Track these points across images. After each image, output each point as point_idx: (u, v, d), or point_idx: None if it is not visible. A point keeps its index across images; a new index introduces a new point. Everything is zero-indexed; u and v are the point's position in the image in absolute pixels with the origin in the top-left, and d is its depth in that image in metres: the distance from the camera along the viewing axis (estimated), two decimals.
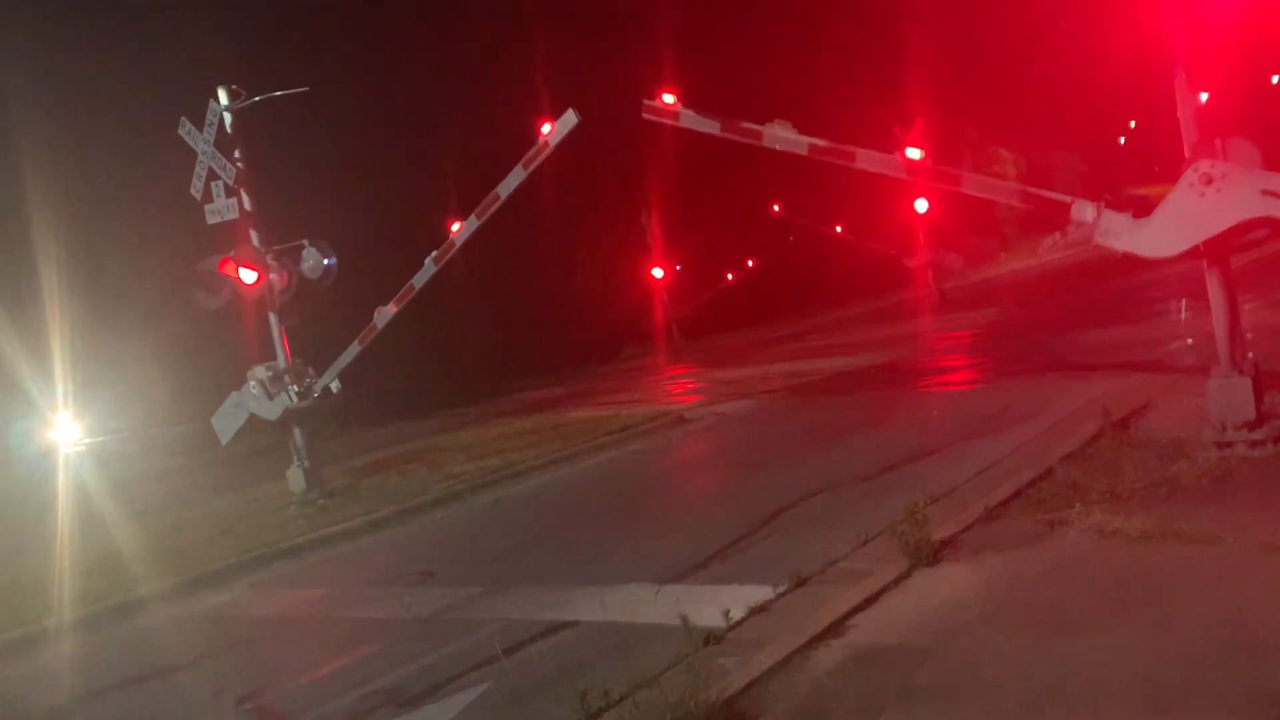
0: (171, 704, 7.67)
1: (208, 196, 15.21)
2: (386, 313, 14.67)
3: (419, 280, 14.50)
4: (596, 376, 38.15)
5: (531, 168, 13.46)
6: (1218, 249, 7.85)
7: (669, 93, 11.15)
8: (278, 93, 15.26)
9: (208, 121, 14.99)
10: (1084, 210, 8.38)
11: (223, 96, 14.92)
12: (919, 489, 8.75)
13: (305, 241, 15.04)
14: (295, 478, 14.89)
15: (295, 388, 14.73)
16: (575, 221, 45.11)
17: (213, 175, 15.07)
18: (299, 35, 37.85)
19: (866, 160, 10.07)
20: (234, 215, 15.00)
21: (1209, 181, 7.49)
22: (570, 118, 13.09)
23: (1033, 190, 9.33)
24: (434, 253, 14.38)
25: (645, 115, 11.33)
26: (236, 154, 14.92)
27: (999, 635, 5.30)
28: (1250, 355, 8.31)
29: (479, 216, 13.96)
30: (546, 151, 13.33)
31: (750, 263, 55.35)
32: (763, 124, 10.42)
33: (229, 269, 14.72)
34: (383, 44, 43.18)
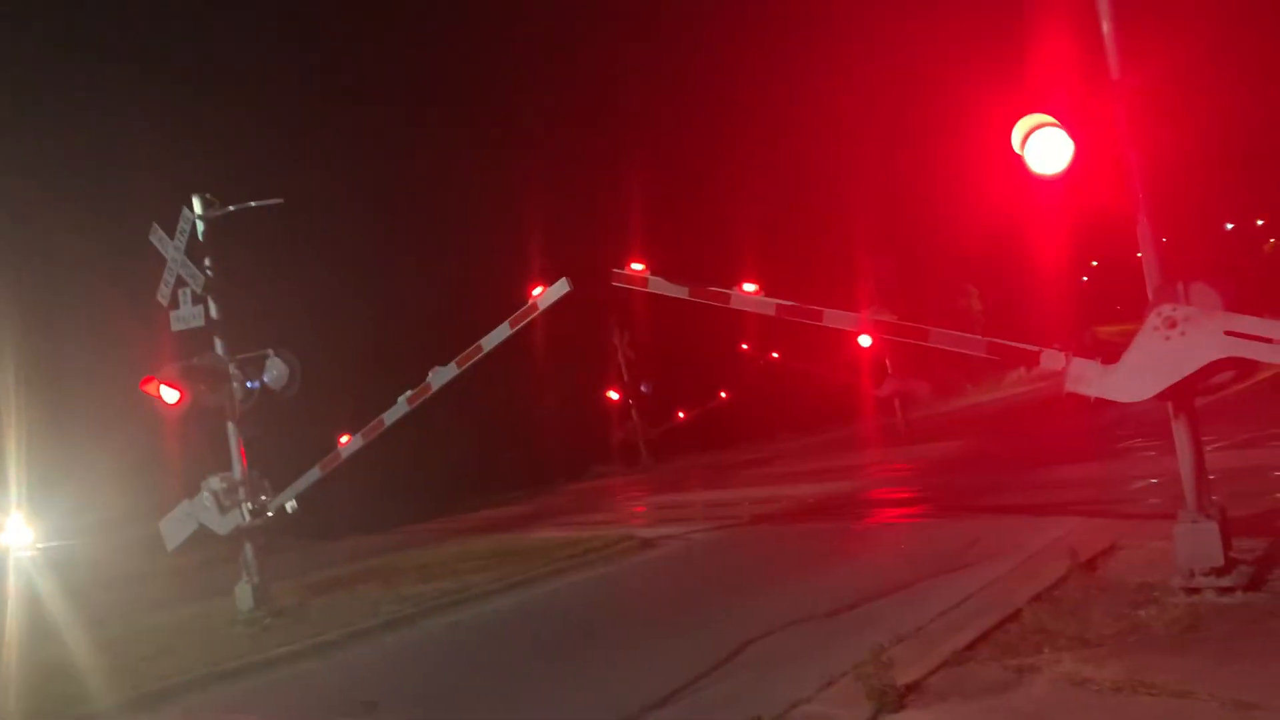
0: None
1: (174, 303, 15.06)
2: (351, 444, 14.44)
3: (390, 417, 14.33)
4: (562, 495, 37.72)
5: (518, 327, 13.57)
6: (1183, 392, 7.86)
7: (637, 261, 11.53)
8: (252, 203, 15.29)
9: (180, 229, 14.94)
10: (1054, 359, 8.43)
11: (197, 205, 14.93)
12: (884, 627, 8.55)
13: (270, 350, 14.87)
14: (243, 594, 14.37)
15: (249, 504, 14.35)
16: (546, 340, 45.33)
17: (181, 282, 14.96)
18: (283, 146, 38.47)
19: (833, 319, 10.41)
20: (199, 323, 14.83)
21: (1173, 325, 7.55)
22: (562, 285, 13.22)
23: (999, 342, 9.42)
24: (409, 393, 14.25)
25: (615, 284, 11.70)
26: (207, 262, 14.84)
27: None
28: (1215, 499, 8.26)
29: (459, 365, 13.94)
30: (534, 314, 13.46)
31: (723, 395, 55.74)
32: (730, 287, 10.75)
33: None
34: (369, 156, 44.02)
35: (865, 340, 37.16)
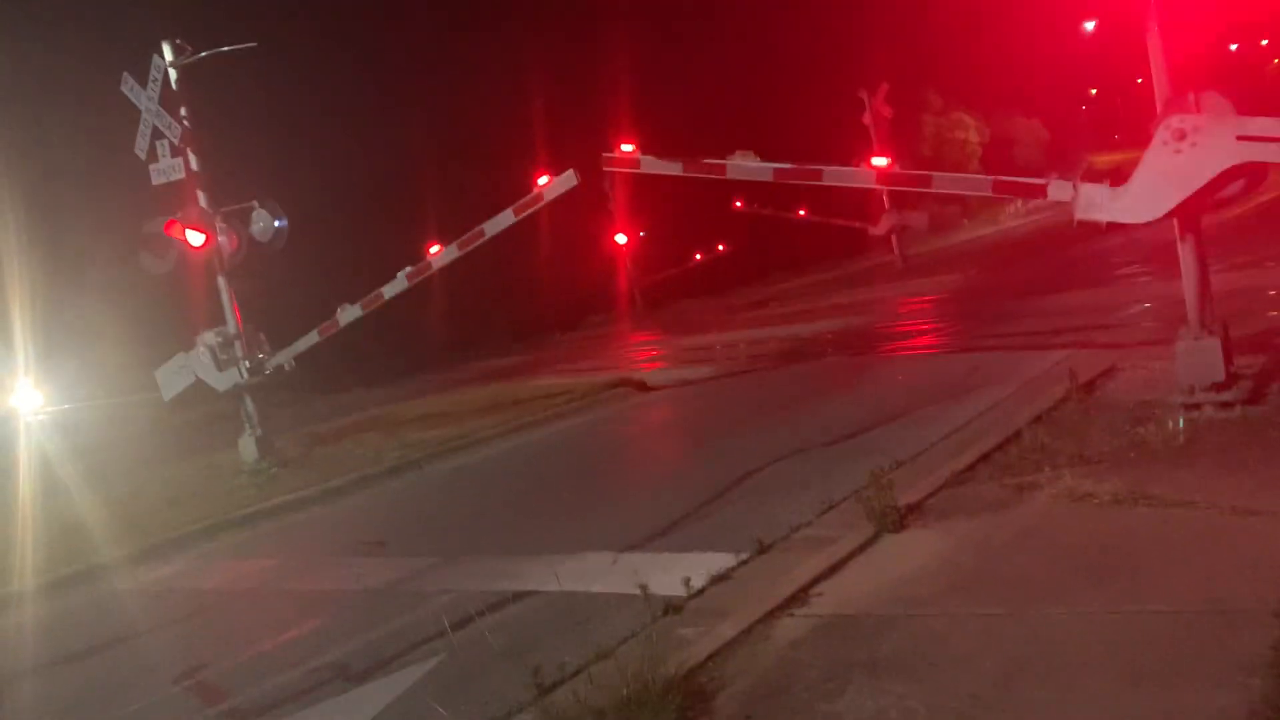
0: (108, 681, 7.33)
1: (153, 156, 14.67)
2: (351, 311, 14.28)
3: (389, 291, 14.13)
4: (559, 344, 37.81)
5: (522, 215, 13.33)
6: (1191, 209, 7.65)
7: (627, 142, 11.16)
8: (225, 48, 14.69)
9: (151, 78, 14.43)
10: (1061, 190, 8.17)
11: (167, 52, 14.35)
12: (884, 454, 8.61)
13: (255, 203, 14.56)
14: (247, 446, 14.50)
15: (246, 362, 14.30)
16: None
17: (158, 134, 14.53)
18: None
19: (834, 176, 10.07)
20: (180, 175, 14.49)
21: (1182, 137, 7.28)
22: (570, 178, 12.94)
23: (1004, 179, 9.14)
24: (409, 269, 14.01)
25: (606, 168, 11.36)
26: (182, 112, 14.37)
27: (969, 604, 5.10)
28: (1218, 316, 8.18)
29: (461, 248, 13.72)
30: (540, 204, 13.19)
31: (721, 248, 55.17)
32: (724, 156, 10.37)
33: (175, 231, 14.20)
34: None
35: (881, 162, 36.75)
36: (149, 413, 24.91)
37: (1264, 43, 57.13)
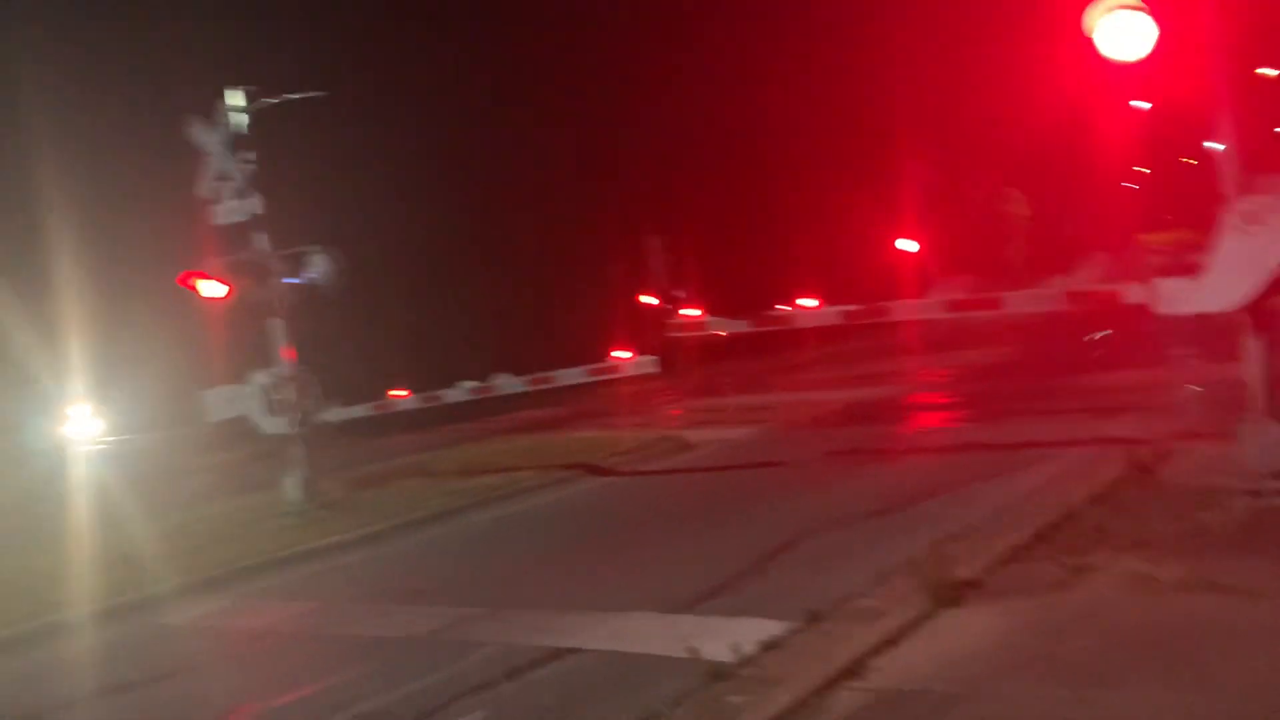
0: (155, 715, 7.36)
1: (217, 197, 15.01)
2: (407, 401, 14.56)
3: (449, 397, 15.01)
4: (596, 397, 37.79)
5: (595, 379, 14.28)
6: (1267, 293, 7.59)
7: (693, 307, 11.52)
8: (295, 95, 15.11)
9: (220, 121, 14.82)
10: (1137, 293, 8.16)
11: (237, 97, 14.75)
12: (936, 526, 8.51)
13: (314, 247, 14.83)
14: (292, 487, 14.60)
15: (297, 415, 14.46)
16: (580, 245, 45.13)
17: (223, 176, 14.88)
18: (321, 37, 37.98)
19: (902, 311, 10.04)
20: (243, 217, 14.79)
21: (1252, 220, 7.27)
22: (653, 364, 13.91)
23: (1078, 289, 9.12)
24: (473, 384, 14.92)
25: (671, 335, 11.78)
26: (250, 155, 14.73)
27: (1031, 685, 5.01)
28: None
29: (529, 385, 14.72)
30: (614, 374, 14.21)
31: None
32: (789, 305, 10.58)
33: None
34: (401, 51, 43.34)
35: (911, 246, 36.82)
36: (197, 446, 25.24)
37: None
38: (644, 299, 47.60)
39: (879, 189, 38.83)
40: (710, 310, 11.22)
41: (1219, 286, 7.54)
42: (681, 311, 11.54)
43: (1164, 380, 15.69)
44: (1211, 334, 9.22)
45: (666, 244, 45.85)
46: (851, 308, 10.23)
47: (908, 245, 37.59)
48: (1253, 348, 7.94)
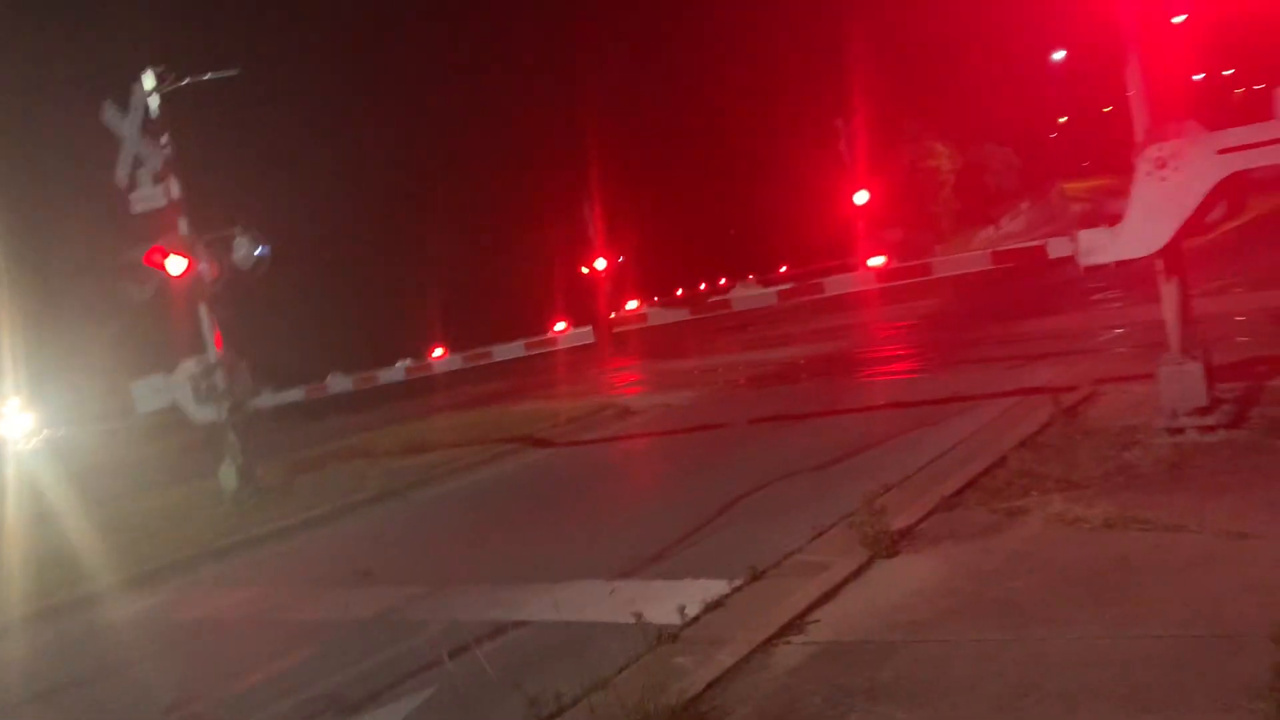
0: (96, 715, 7.24)
1: (133, 184, 14.61)
2: (341, 381, 14.29)
3: (384, 377, 14.30)
4: (539, 369, 37.68)
5: (532, 352, 13.55)
6: (1180, 236, 7.79)
7: (634, 299, 11.58)
8: (207, 75, 14.69)
9: (133, 105, 14.39)
10: (1060, 247, 8.31)
11: (149, 79, 14.33)
12: (872, 478, 8.63)
13: (237, 230, 14.50)
14: (228, 475, 14.38)
15: (227, 401, 14.21)
16: (520, 214, 44.72)
17: (138, 162, 14.48)
18: (237, 17, 36.96)
19: (835, 285, 10.26)
20: (161, 203, 14.41)
21: (1163, 165, 7.44)
22: (588, 334, 13.05)
23: (1002, 249, 9.30)
24: (409, 362, 14.22)
25: (615, 330, 11.86)
26: (164, 139, 14.33)
27: (967, 629, 5.14)
28: (1199, 341, 8.31)
29: (466, 361, 13.90)
30: (553, 348, 13.72)
31: (723, 281, 55.25)
32: (729, 289, 10.74)
33: (155, 259, 14.13)
34: (324, 30, 42.37)
35: (862, 197, 37.16)
36: (130, 438, 24.73)
37: (1228, 72, 58.24)
38: (583, 269, 47.55)
39: (830, 148, 38.99)
40: (650, 299, 11.38)
41: (1136, 233, 7.73)
42: (627, 304, 11.64)
43: (1089, 325, 16.08)
44: (1134, 277, 9.45)
45: (606, 211, 45.76)
46: (786, 286, 10.51)
47: (861, 196, 37.93)
48: (1169, 290, 8.16)
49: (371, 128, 40.52)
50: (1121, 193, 8.23)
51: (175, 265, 14.09)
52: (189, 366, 14.38)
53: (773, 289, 10.51)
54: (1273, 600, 4.55)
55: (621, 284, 49.78)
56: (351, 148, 38.74)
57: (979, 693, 4.41)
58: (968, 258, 9.53)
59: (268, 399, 14.63)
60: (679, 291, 56.35)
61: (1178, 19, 8.47)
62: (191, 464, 18.61)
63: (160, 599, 10.23)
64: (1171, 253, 7.96)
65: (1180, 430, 7.89)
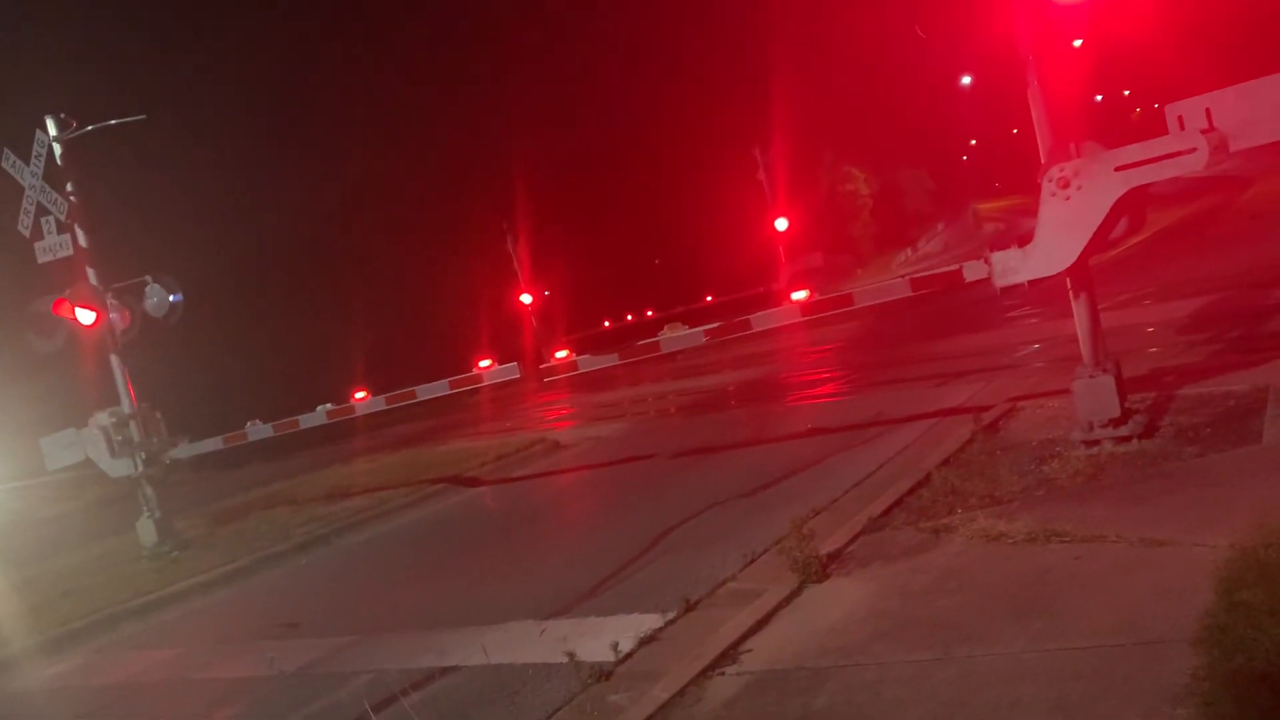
0: None
1: (38, 233, 14.19)
2: (261, 429, 13.94)
3: (305, 421, 13.75)
4: (468, 406, 37.34)
5: (457, 390, 13.21)
6: (1086, 253, 7.98)
7: (563, 348, 11.79)
8: (112, 121, 14.35)
9: (35, 153, 14.00)
10: (976, 270, 8.46)
11: (51, 126, 13.95)
12: (801, 503, 8.71)
13: (148, 278, 14.15)
14: (145, 529, 13.93)
15: (142, 453, 13.80)
16: (443, 251, 44.44)
17: (42, 210, 14.07)
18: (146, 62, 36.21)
19: (761, 321, 10.36)
20: (67, 252, 14.02)
21: (1066, 184, 7.63)
22: (513, 370, 12.69)
23: (921, 275, 9.46)
24: (330, 406, 13.75)
25: (546, 379, 11.99)
26: (69, 187, 13.95)
27: (897, 651, 5.15)
28: (1110, 354, 8.52)
29: (389, 402, 13.58)
30: (479, 384, 13.19)
31: (650, 313, 55.37)
32: (655, 321, 10.85)
33: (64, 310, 13.71)
34: (230, 74, 41.72)
35: (782, 224, 37.74)
36: (44, 495, 23.83)
37: (1126, 93, 60.51)
38: (519, 299, 47.37)
39: (750, 176, 39.52)
40: (576, 333, 11.45)
41: (1045, 253, 7.90)
42: (556, 354, 11.68)
43: (1006, 341, 16.43)
44: (1048, 292, 9.69)
45: (532, 246, 45.68)
46: (713, 326, 10.59)
47: (781, 224, 38.58)
48: (1079, 306, 8.37)
49: (288, 168, 39.97)
50: (1031, 212, 8.44)
51: (85, 315, 13.71)
52: (101, 419, 13.95)
53: (700, 329, 10.58)
54: (1188, 605, 4.64)
55: (549, 318, 49.81)
56: (269, 190, 38.17)
57: (910, 713, 4.42)
58: (887, 286, 9.66)
59: (185, 450, 14.26)
60: (606, 323, 56.49)
61: (1076, 43, 8.72)
62: (109, 519, 18.01)
63: (77, 663, 9.82)
64: (1079, 270, 8.16)
65: (1096, 442, 8.07)
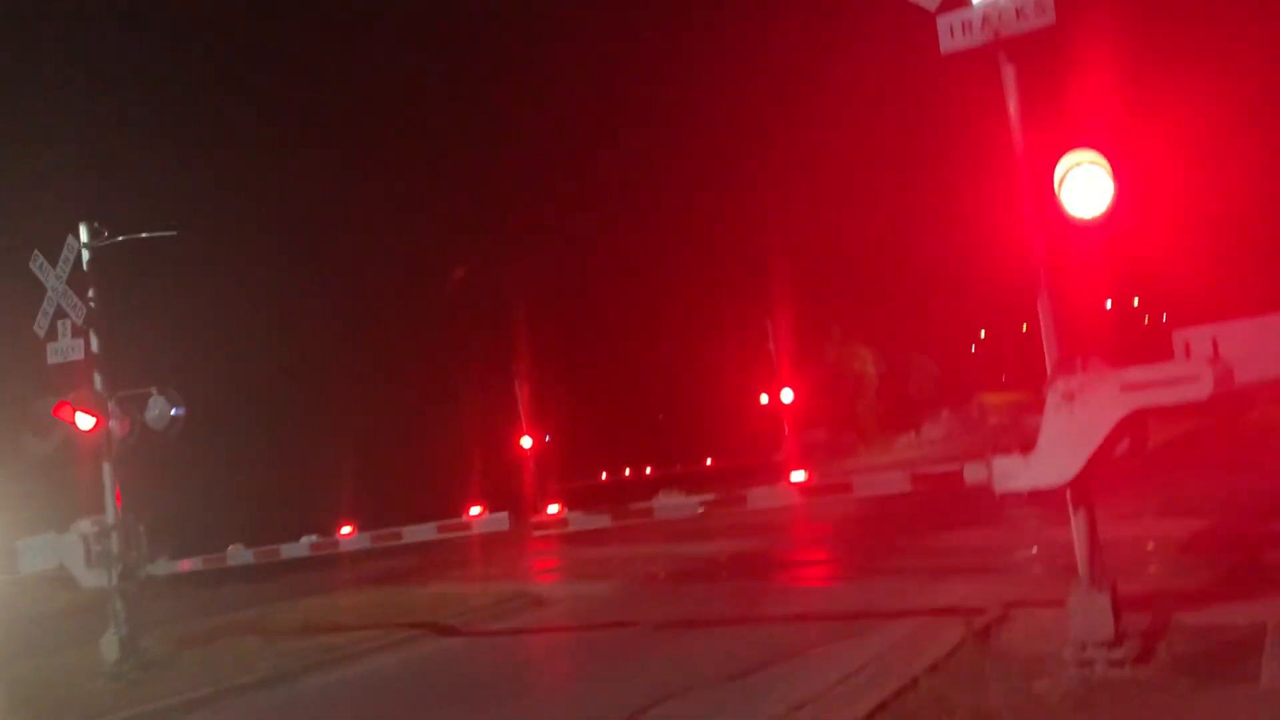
0: None
1: (53, 335, 14.35)
2: (242, 554, 13.88)
3: (287, 552, 13.71)
4: (456, 546, 36.77)
5: (445, 535, 13.28)
6: (1091, 468, 7.97)
7: (552, 504, 12.18)
8: (143, 234, 14.70)
9: (63, 257, 14.28)
10: (976, 472, 8.50)
11: (83, 233, 14.28)
12: (786, 693, 8.47)
13: (153, 389, 14.21)
14: (110, 646, 13.52)
15: (119, 565, 13.59)
16: (443, 389, 44.65)
17: (60, 313, 14.26)
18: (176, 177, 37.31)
19: (758, 499, 10.41)
20: (79, 356, 14.14)
21: (1071, 398, 7.69)
22: (503, 520, 12.53)
23: (922, 472, 9.55)
24: (315, 538, 13.78)
25: (536, 533, 12.29)
26: (90, 293, 14.18)
27: None
28: (1108, 571, 8.39)
29: (374, 541, 13.65)
30: (467, 532, 13.64)
31: (649, 470, 55.40)
32: (655, 492, 11.08)
33: (65, 413, 13.73)
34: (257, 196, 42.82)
35: (788, 396, 38.10)
36: (7, 596, 23.26)
37: (1135, 302, 61.77)
38: (519, 442, 47.35)
39: (755, 345, 40.19)
40: (572, 480, 11.50)
41: (1047, 463, 7.90)
42: (548, 508, 11.81)
43: (1004, 540, 16.23)
44: (1048, 494, 9.66)
45: (535, 392, 45.97)
46: (709, 497, 10.62)
47: (786, 395, 39.02)
48: (1078, 520, 8.30)
49: (297, 294, 40.52)
50: (1036, 409, 8.46)
51: (84, 420, 13.70)
52: (84, 526, 13.76)
53: (695, 500, 10.62)
54: None
55: (546, 464, 49.64)
56: (278, 313, 38.61)
57: None
58: (888, 479, 9.67)
59: (162, 566, 13.98)
60: (603, 475, 56.31)
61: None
62: (72, 629, 17.52)
63: None
64: (1080, 484, 8.14)
65: (1089, 663, 7.86)
